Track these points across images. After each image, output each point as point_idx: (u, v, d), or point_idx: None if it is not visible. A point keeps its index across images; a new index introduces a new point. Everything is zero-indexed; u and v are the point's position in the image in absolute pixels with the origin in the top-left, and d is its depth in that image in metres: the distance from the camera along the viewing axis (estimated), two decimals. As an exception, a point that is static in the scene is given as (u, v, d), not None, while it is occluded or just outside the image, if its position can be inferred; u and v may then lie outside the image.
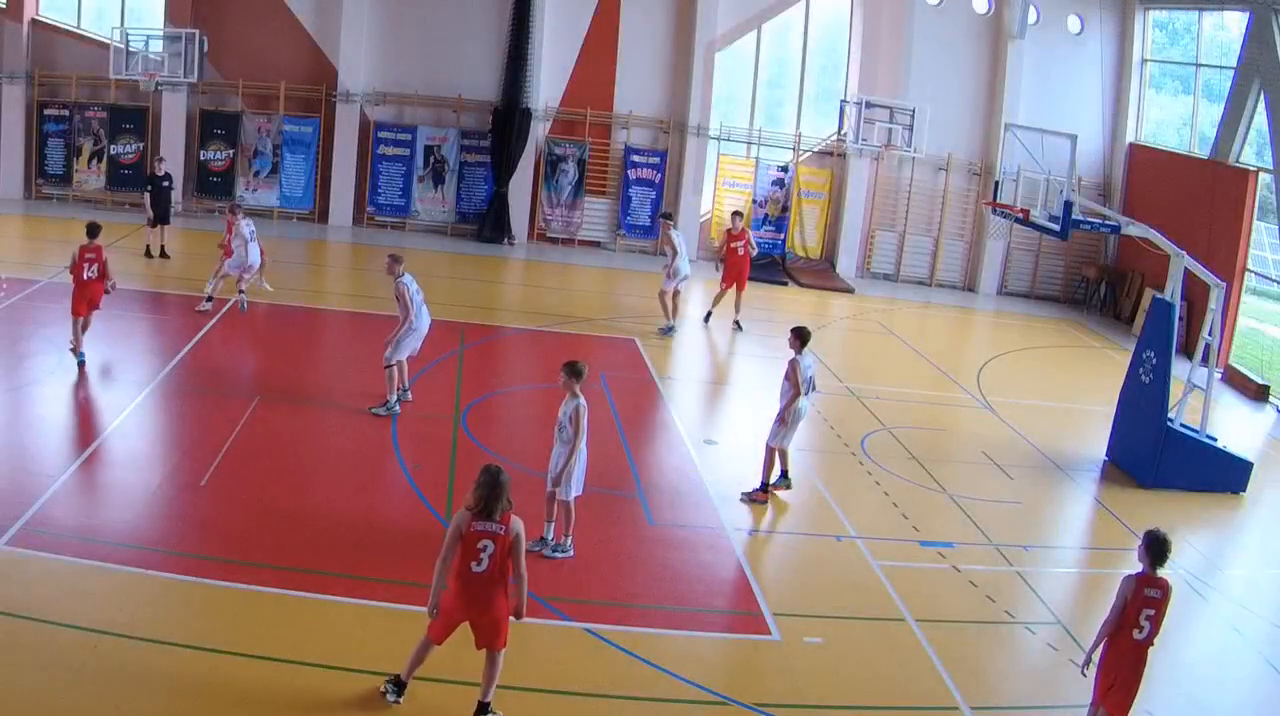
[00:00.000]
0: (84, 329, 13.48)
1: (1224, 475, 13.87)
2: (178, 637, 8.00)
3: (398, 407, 13.01)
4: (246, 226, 16.42)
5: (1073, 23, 24.49)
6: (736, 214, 19.98)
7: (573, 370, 9.77)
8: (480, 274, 21.76)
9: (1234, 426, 16.65)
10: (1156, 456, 13.59)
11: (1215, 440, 14.07)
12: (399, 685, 7.60)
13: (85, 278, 13.36)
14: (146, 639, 7.91)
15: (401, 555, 9.66)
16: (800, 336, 11.74)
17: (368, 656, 8.08)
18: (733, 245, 18.79)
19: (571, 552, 10.04)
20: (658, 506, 11.47)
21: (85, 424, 11.73)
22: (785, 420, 11.70)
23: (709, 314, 19.13)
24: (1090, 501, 13.35)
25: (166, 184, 19.73)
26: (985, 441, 14.65)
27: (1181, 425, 13.91)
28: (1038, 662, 9.30)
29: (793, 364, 11.66)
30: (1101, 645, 7.56)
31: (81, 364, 13.33)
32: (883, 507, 12.11)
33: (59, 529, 9.30)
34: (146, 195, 19.46)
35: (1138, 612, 7.38)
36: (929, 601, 10.06)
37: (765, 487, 11.83)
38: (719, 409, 15.52)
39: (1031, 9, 23.98)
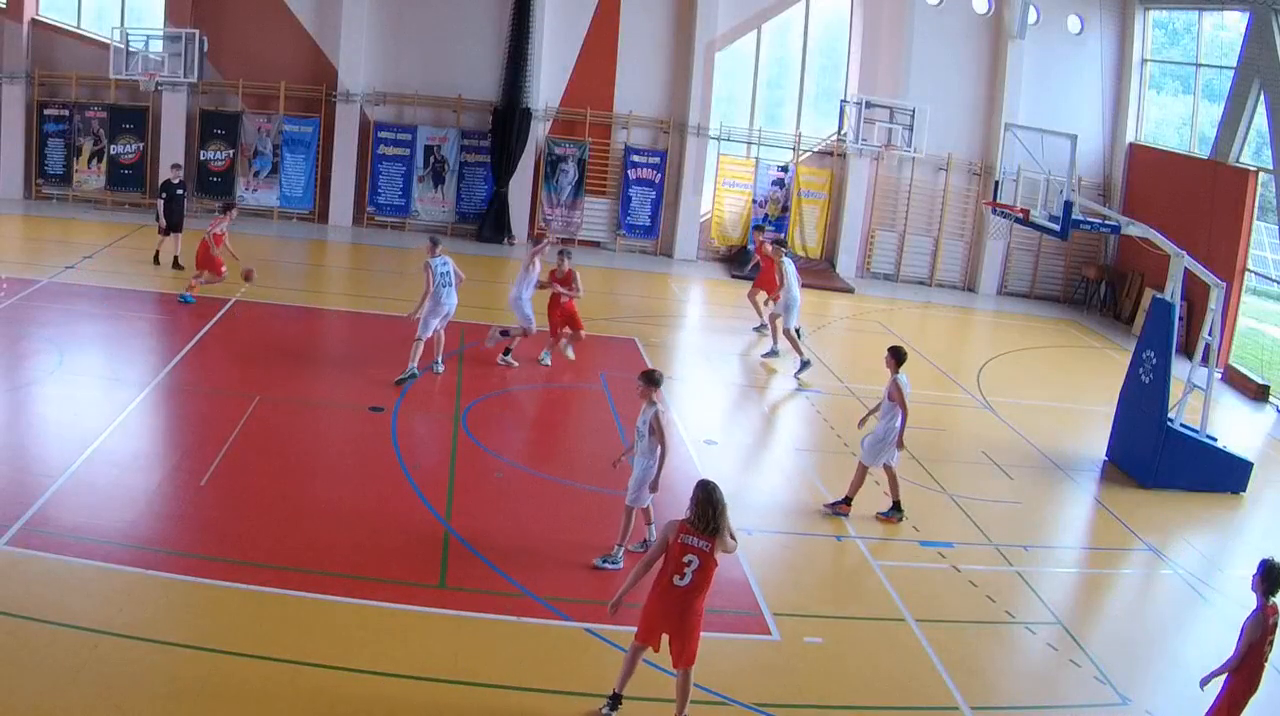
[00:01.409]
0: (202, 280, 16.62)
1: (1224, 475, 13.87)
2: (178, 637, 8.00)
3: (418, 374, 14.22)
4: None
5: (1073, 23, 24.50)
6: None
7: (649, 378, 9.87)
8: (480, 274, 21.69)
9: (1234, 426, 16.65)
10: (1156, 456, 13.59)
11: (1215, 440, 14.07)
12: (615, 699, 7.64)
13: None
14: (146, 639, 7.91)
15: (401, 555, 9.67)
16: (897, 356, 11.54)
17: (368, 656, 8.08)
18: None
19: (620, 565, 9.90)
20: (657, 507, 11.44)
21: (85, 424, 11.71)
22: (901, 443, 11.44)
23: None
24: (1090, 501, 13.35)
25: (181, 192, 19.09)
26: (985, 441, 14.65)
27: (1181, 425, 13.91)
28: (1038, 662, 9.30)
29: (896, 384, 11.41)
30: (1224, 678, 7.58)
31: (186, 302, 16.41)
32: (883, 508, 12.09)
33: (59, 529, 9.30)
34: (160, 202, 18.87)
35: (1264, 643, 7.40)
36: (929, 601, 10.07)
37: (898, 506, 11.69)
38: (719, 409, 15.51)
39: (1031, 9, 23.98)
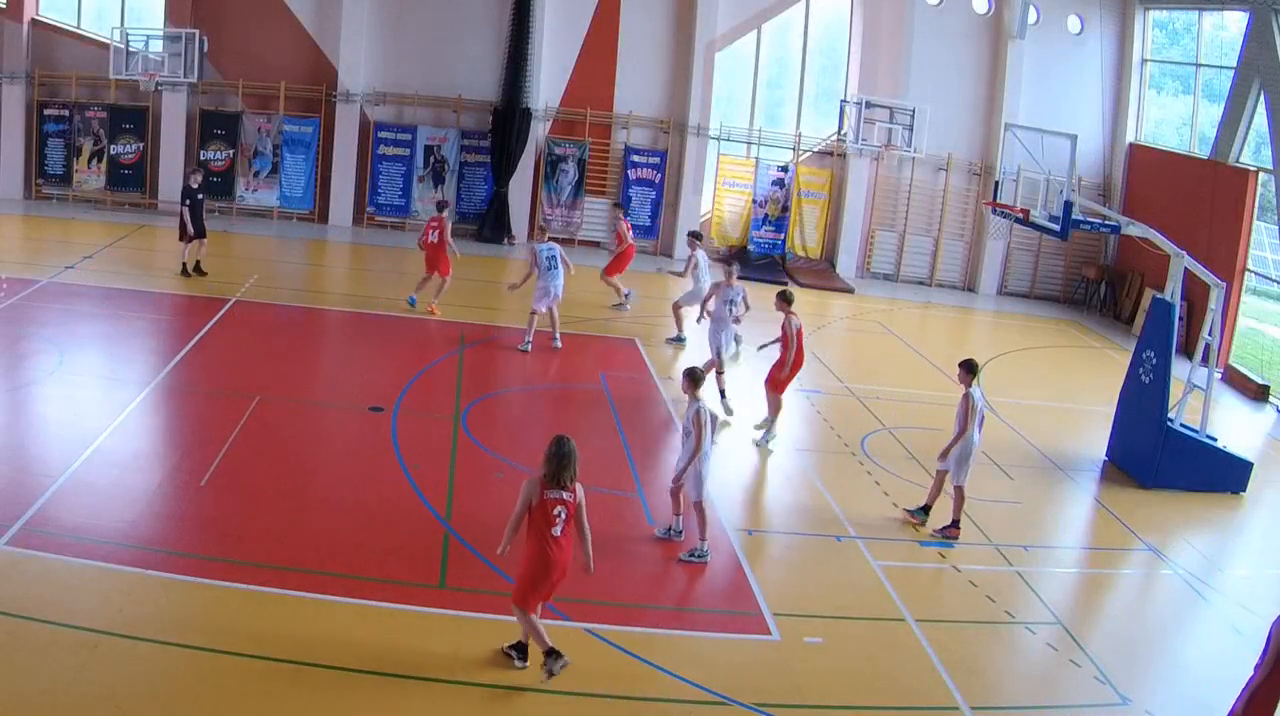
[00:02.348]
0: (428, 287, 17.53)
1: (1224, 475, 13.87)
2: (178, 637, 8.00)
3: (528, 348, 16.07)
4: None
5: (1073, 23, 24.50)
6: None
7: (691, 376, 10.36)
8: (480, 274, 21.73)
9: (1234, 426, 16.65)
10: (1156, 456, 13.59)
11: (1215, 440, 14.07)
12: (554, 654, 7.90)
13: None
14: (146, 639, 7.91)
15: (401, 555, 9.66)
16: (970, 369, 11.40)
17: (368, 656, 8.08)
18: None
19: (708, 556, 10.24)
20: (658, 506, 11.46)
21: (85, 424, 11.71)
22: (965, 457, 11.33)
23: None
24: (1090, 501, 13.35)
25: (201, 196, 18.58)
26: (985, 441, 14.56)
27: (1181, 425, 13.91)
28: (1038, 662, 9.30)
29: (966, 398, 11.27)
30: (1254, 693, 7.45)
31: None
32: (883, 508, 12.11)
33: (59, 529, 9.30)
34: (184, 209, 18.13)
35: None
36: (929, 601, 10.07)
37: (926, 510, 11.66)
38: (719, 409, 15.49)
39: (1031, 9, 23.99)
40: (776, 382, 13.75)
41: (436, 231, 17.31)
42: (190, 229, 18.11)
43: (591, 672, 8.29)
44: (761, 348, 14.35)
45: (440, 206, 18.34)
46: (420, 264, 17.88)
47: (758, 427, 13.89)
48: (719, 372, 14.69)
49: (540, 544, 7.84)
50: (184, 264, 18.30)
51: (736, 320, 15.25)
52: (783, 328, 13.59)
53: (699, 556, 10.24)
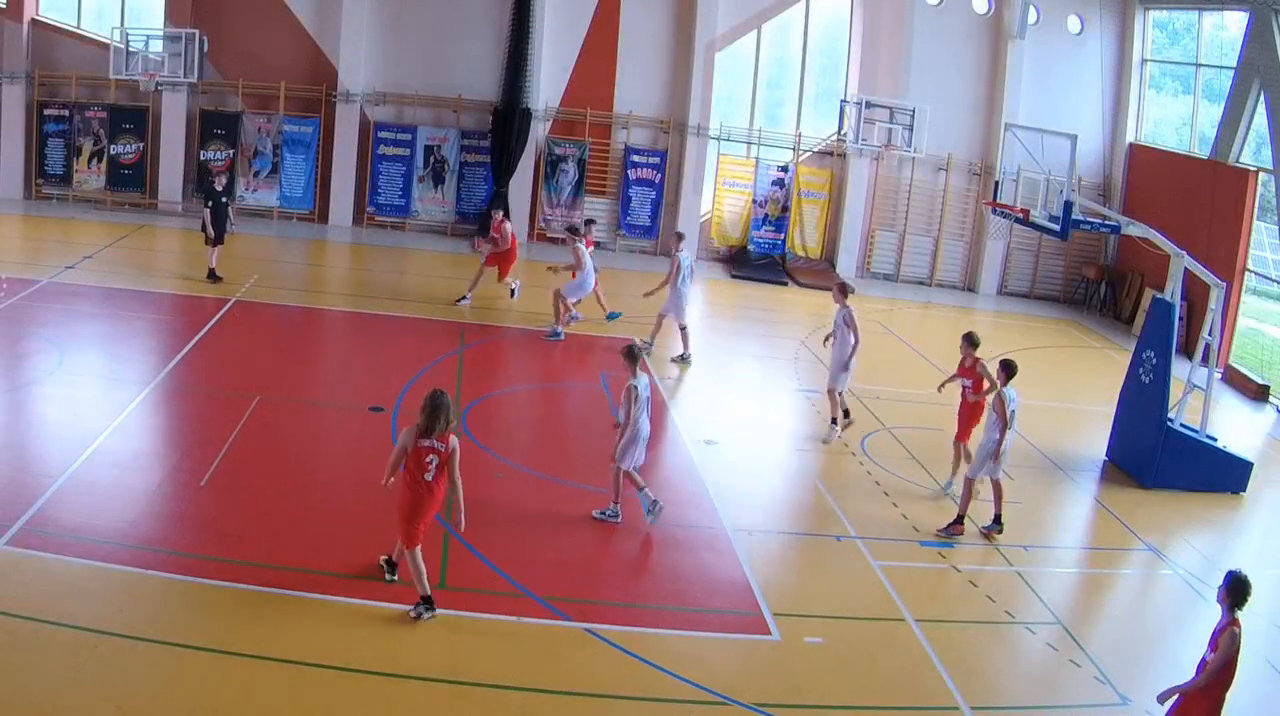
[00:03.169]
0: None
1: (1224, 475, 13.87)
2: (178, 637, 8.00)
3: (562, 335, 16.90)
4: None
5: (1073, 23, 24.51)
6: (590, 222, 19.88)
7: (626, 353, 10.87)
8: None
9: (1234, 426, 16.65)
10: (1156, 456, 13.60)
11: (1215, 440, 14.07)
12: (428, 602, 8.58)
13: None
14: (146, 639, 7.91)
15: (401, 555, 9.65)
16: (1008, 370, 11.53)
17: (368, 656, 8.08)
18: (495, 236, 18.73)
19: (618, 518, 10.83)
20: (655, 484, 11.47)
21: (85, 424, 11.71)
22: (998, 454, 11.39)
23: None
24: (1090, 501, 13.35)
25: (225, 200, 18.44)
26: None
27: (1181, 425, 13.91)
28: (1038, 662, 9.30)
29: (999, 397, 11.39)
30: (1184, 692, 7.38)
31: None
32: (883, 507, 12.11)
33: (59, 529, 9.30)
34: (207, 212, 17.97)
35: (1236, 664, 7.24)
36: (929, 601, 10.07)
37: (999, 520, 11.63)
38: (719, 409, 15.51)
39: (1031, 9, 23.99)
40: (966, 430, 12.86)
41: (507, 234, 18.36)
42: (211, 232, 18.01)
43: (591, 672, 8.29)
44: (941, 387, 13.51)
45: (504, 212, 19.05)
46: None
47: (947, 486, 12.86)
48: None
49: (414, 487, 8.47)
50: (211, 269, 18.09)
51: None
52: (978, 371, 12.66)
53: (610, 516, 10.78)
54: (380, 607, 8.77)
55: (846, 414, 14.47)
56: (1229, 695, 7.31)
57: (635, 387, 10.60)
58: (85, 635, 7.83)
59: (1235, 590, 7.30)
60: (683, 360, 16.91)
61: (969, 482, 11.66)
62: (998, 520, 11.64)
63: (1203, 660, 7.43)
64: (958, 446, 12.82)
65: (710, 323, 19.24)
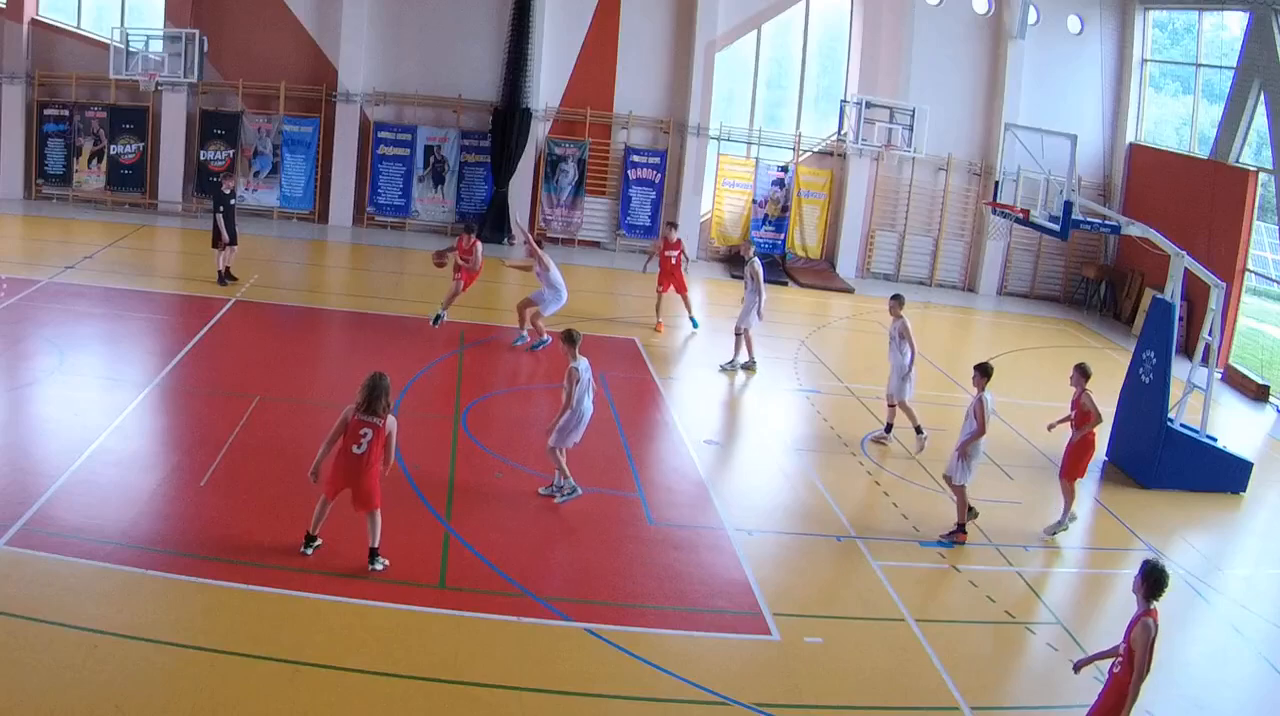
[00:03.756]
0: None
1: (1224, 475, 13.87)
2: (178, 637, 8.00)
3: (548, 340, 16.21)
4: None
5: (1073, 23, 24.51)
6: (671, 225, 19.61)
7: (565, 337, 11.24)
8: (480, 274, 21.72)
9: (1234, 426, 16.65)
10: (1157, 456, 13.60)
11: (1215, 440, 14.07)
12: (309, 539, 9.42)
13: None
14: (146, 639, 7.91)
15: (401, 555, 9.65)
16: (985, 373, 11.36)
17: (367, 656, 8.08)
18: (667, 254, 18.43)
19: (578, 492, 11.13)
20: (658, 506, 11.47)
21: (85, 424, 11.71)
22: (966, 455, 11.22)
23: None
24: (1090, 501, 13.34)
25: (235, 203, 18.37)
26: (985, 441, 14.63)
27: (1182, 425, 13.91)
28: (1038, 662, 9.31)
29: (981, 401, 11.21)
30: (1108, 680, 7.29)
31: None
32: (883, 507, 12.11)
33: (59, 529, 9.30)
34: (218, 216, 17.90)
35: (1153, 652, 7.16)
36: (929, 601, 10.07)
37: (962, 528, 11.40)
38: (719, 409, 15.51)
39: (1031, 9, 23.99)
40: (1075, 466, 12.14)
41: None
42: (225, 235, 17.94)
43: (591, 672, 8.29)
44: (1051, 427, 12.85)
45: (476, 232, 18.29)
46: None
47: (1050, 531, 11.94)
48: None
49: (341, 455, 9.17)
50: (219, 272, 18.07)
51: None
52: (1082, 403, 12.05)
53: (561, 492, 11.10)
54: (380, 607, 8.77)
55: (889, 429, 14.25)
56: (1144, 686, 7.09)
57: (576, 370, 10.94)
58: (85, 635, 7.83)
59: (1151, 580, 7.16)
60: (745, 367, 16.76)
61: (959, 489, 11.35)
62: (962, 527, 11.39)
63: (1116, 647, 7.35)
64: (1066, 485, 11.91)
65: (710, 323, 19.21)
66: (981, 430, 11.18)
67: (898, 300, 14.41)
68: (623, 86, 24.48)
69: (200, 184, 23.51)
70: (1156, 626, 7.12)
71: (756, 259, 16.96)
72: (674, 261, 18.39)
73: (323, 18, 23.64)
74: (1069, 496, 11.96)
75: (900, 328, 14.07)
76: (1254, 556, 12.58)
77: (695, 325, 18.83)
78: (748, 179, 24.88)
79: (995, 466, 13.74)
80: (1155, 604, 7.19)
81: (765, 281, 16.88)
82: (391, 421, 9.21)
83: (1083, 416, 11.99)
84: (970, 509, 11.50)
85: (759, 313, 16.59)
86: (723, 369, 16.73)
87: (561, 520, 10.92)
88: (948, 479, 11.50)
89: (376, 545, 9.33)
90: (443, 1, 23.85)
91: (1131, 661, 7.09)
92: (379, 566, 9.31)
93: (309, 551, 9.43)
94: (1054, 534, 11.83)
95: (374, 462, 9.18)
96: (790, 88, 25.64)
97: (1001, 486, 13.15)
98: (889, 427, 14.28)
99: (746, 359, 16.83)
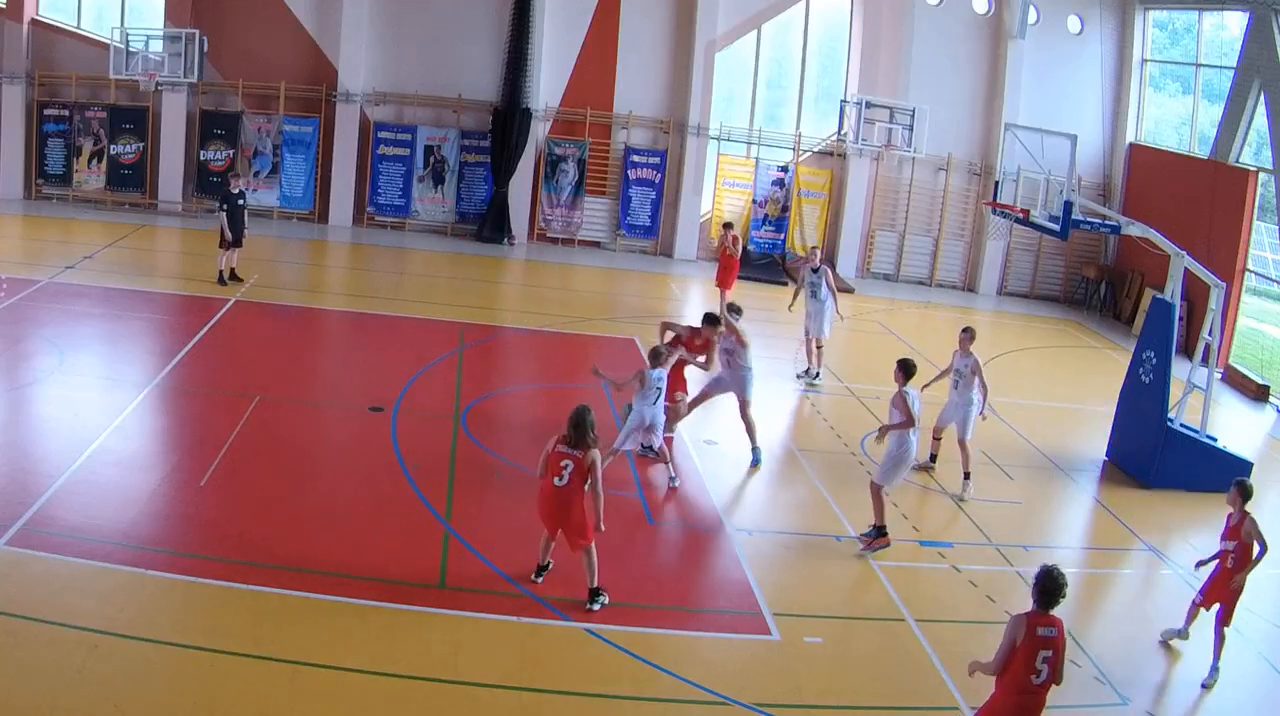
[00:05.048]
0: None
1: (1224, 475, 13.75)
2: (178, 637, 8.00)
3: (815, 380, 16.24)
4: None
5: (1073, 23, 24.51)
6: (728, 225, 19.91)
7: (652, 354, 11.70)
8: (480, 274, 21.76)
9: (1234, 426, 16.65)
10: (1157, 456, 13.59)
11: (1215, 440, 14.06)
12: (540, 569, 9.39)
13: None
14: (146, 639, 7.91)
15: (401, 555, 9.66)
16: (906, 369, 10.92)
17: (367, 656, 8.08)
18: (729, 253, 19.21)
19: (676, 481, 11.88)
20: (658, 506, 11.47)
21: (85, 424, 11.71)
22: (895, 458, 10.85)
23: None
24: (1090, 501, 13.34)
25: (241, 203, 18.16)
26: (985, 441, 14.62)
27: (1182, 425, 13.91)
28: (1038, 662, 9.27)
29: (901, 395, 10.86)
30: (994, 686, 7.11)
31: None
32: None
33: (59, 529, 9.30)
34: (223, 215, 17.85)
35: (1032, 655, 6.96)
36: (929, 601, 10.06)
37: (882, 532, 10.86)
38: (719, 409, 15.49)
39: (1031, 9, 23.99)
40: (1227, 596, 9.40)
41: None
42: (229, 235, 17.89)
43: (591, 672, 8.29)
44: (1200, 565, 9.99)
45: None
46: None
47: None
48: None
49: (542, 488, 9.05)
50: (220, 272, 18.02)
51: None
52: (1244, 531, 9.39)
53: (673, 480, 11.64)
54: (380, 607, 8.77)
55: (933, 458, 13.27)
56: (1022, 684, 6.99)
57: (647, 374, 11.30)
58: (85, 635, 7.83)
59: (1044, 587, 7.10)
60: (809, 376, 16.44)
61: (875, 485, 10.98)
62: (881, 531, 10.83)
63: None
64: (1218, 627, 9.34)
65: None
66: (909, 421, 10.74)
67: (969, 334, 13.01)
68: (623, 86, 24.48)
69: (200, 184, 23.51)
70: (1028, 628, 6.95)
71: (825, 265, 16.86)
72: (735, 258, 19.12)
73: (323, 18, 23.64)
74: (1221, 637, 9.35)
75: (972, 364, 12.75)
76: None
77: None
78: (748, 179, 24.87)
79: (995, 466, 13.74)
80: (1054, 611, 7.02)
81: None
82: (594, 454, 8.92)
83: (1245, 553, 9.23)
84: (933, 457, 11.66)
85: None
86: (800, 377, 16.41)
87: (561, 520, 10.91)
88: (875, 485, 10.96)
89: (594, 584, 9.11)
90: (443, 1, 23.85)
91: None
92: (597, 607, 9.06)
93: (539, 579, 9.42)
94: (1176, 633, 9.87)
95: (580, 494, 8.93)
96: (790, 88, 25.64)
97: (1002, 486, 13.15)
98: (934, 457, 13.26)
99: (818, 369, 16.49)
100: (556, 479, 8.84)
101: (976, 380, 12.71)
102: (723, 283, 19.33)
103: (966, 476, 12.69)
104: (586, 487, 8.92)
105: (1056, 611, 7.11)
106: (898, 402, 10.98)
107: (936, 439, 13.30)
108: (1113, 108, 24.41)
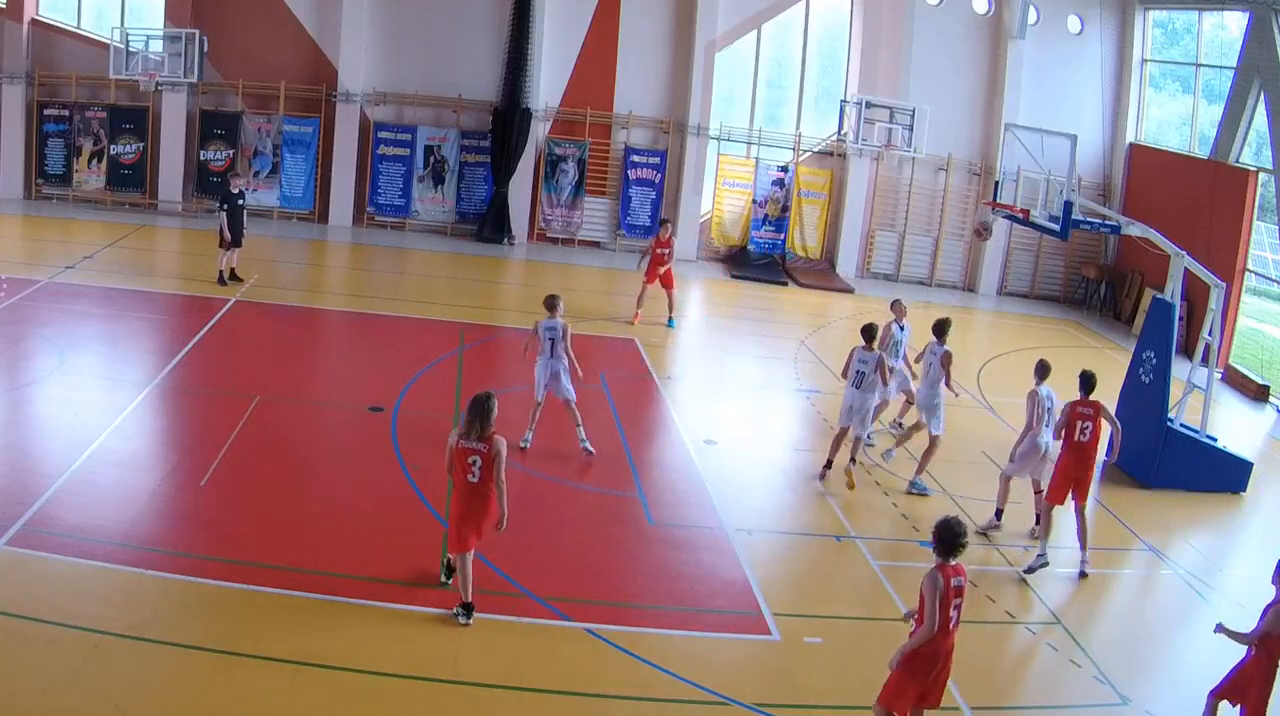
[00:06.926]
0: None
1: (1224, 475, 13.86)
2: (178, 637, 8.00)
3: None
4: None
5: (1073, 23, 24.51)
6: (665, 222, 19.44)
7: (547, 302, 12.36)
8: (480, 274, 21.76)
9: (1234, 426, 16.65)
10: (1157, 456, 13.59)
11: (1215, 440, 14.07)
12: (467, 608, 8.66)
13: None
14: (146, 639, 7.91)
15: (401, 555, 9.66)
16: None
17: (367, 656, 8.08)
18: (659, 251, 18.40)
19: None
20: (658, 506, 11.47)
21: (85, 424, 11.71)
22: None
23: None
24: (1090, 501, 13.32)
25: (241, 203, 18.15)
26: (985, 441, 14.64)
27: (1182, 425, 13.91)
28: (1038, 663, 9.31)
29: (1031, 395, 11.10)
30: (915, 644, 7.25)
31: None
32: (883, 507, 12.10)
33: (59, 529, 9.31)
34: (223, 215, 17.82)
35: (948, 605, 7.25)
36: (929, 601, 10.05)
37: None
38: (719, 409, 15.50)
39: (1031, 9, 23.99)
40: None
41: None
42: (228, 235, 17.87)
43: (591, 672, 8.29)
44: None
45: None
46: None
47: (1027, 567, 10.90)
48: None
49: (458, 489, 8.67)
50: (220, 272, 18.01)
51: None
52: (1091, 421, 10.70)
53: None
54: (380, 607, 8.78)
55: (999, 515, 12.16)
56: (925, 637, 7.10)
57: (1038, 393, 11.67)
58: (85, 635, 7.83)
59: (941, 537, 7.34)
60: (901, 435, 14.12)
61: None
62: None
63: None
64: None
65: (710, 322, 19.24)
66: (1027, 425, 11.53)
67: (1042, 371, 12.28)
68: (623, 86, 24.48)
69: (200, 184, 23.51)
70: (944, 580, 7.24)
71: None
72: (666, 256, 18.37)
73: (323, 18, 23.64)
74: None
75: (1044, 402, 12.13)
76: (1254, 556, 12.55)
77: (671, 325, 18.67)
78: (748, 179, 24.87)
79: (995, 466, 13.73)
80: (954, 560, 7.30)
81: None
82: (499, 442, 8.53)
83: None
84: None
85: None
86: (891, 432, 14.59)
87: (562, 520, 10.92)
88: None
89: (469, 598, 8.73)
90: (443, 1, 23.86)
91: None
92: (466, 621, 8.68)
93: (469, 621, 8.73)
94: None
95: (491, 488, 8.60)
96: (790, 88, 25.64)
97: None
98: (999, 513, 12.14)
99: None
100: (469, 476, 8.52)
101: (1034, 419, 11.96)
102: (654, 278, 18.37)
103: (997, 512, 12.03)
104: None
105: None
106: (1027, 404, 11.53)
107: (1006, 482, 12.23)
108: (1113, 108, 24.41)
